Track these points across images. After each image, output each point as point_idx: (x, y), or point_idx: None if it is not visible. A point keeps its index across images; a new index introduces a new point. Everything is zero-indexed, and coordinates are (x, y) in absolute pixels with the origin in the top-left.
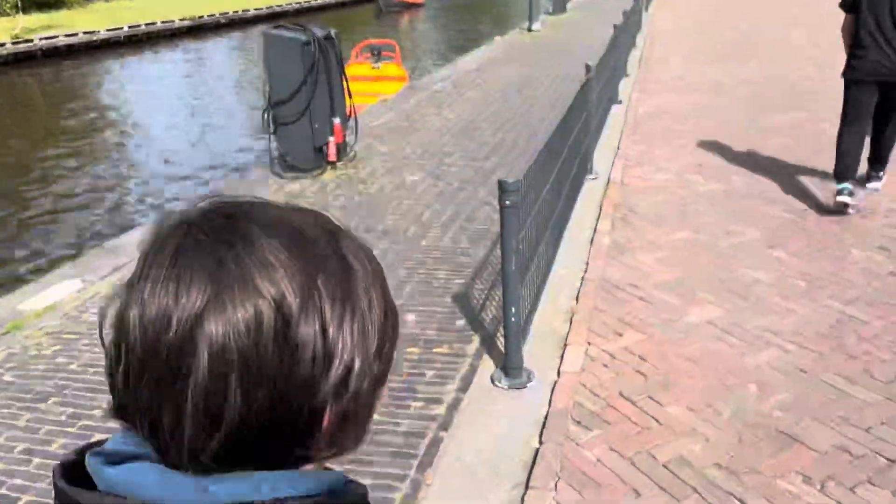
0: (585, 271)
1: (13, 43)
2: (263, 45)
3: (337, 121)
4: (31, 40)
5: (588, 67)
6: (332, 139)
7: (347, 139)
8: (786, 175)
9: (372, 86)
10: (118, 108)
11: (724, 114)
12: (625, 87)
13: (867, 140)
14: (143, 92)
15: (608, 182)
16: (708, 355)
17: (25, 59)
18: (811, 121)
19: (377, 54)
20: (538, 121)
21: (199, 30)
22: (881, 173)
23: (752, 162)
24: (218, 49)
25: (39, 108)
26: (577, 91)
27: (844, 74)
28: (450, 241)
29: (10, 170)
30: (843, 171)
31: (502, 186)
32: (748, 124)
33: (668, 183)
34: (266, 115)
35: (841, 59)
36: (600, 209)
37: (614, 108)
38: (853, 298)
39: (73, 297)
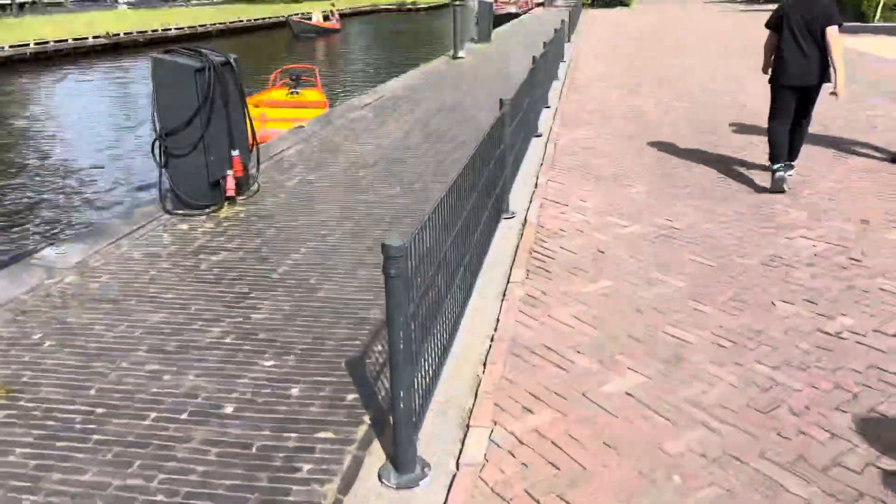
0: (495, 329)
1: None
2: (152, 71)
3: (236, 153)
4: None
5: (501, 102)
6: (230, 173)
7: (250, 172)
8: (706, 212)
9: (290, 112)
10: (7, 131)
11: (645, 145)
12: (545, 118)
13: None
14: (38, 114)
15: (524, 223)
16: (627, 437)
17: None
18: (727, 147)
19: (296, 79)
20: (459, 150)
21: (115, 49)
22: (794, 162)
23: (673, 200)
24: (132, 70)
25: None
26: (492, 124)
27: (772, 81)
28: (353, 292)
29: None
30: (777, 156)
31: (386, 251)
32: (670, 157)
33: (587, 225)
34: (156, 147)
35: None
36: (515, 255)
37: (534, 142)
38: (781, 362)
39: None
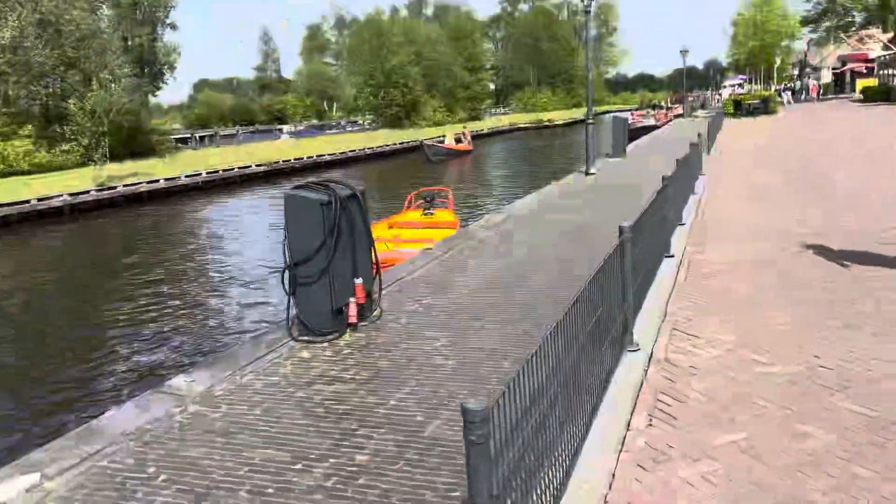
0: (609, 489)
1: (97, 190)
2: (284, 206)
3: (359, 281)
4: (115, 187)
5: (621, 230)
6: (353, 300)
7: (373, 297)
8: (864, 350)
9: (423, 233)
10: (170, 251)
11: (790, 268)
12: (679, 237)
13: None
14: (200, 236)
15: (650, 358)
16: None
17: (109, 206)
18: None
19: (430, 201)
20: (583, 274)
21: (274, 175)
22: None
23: (824, 334)
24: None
25: (94, 252)
26: (609, 254)
27: None
28: (459, 431)
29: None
30: None
31: (466, 415)
32: (820, 282)
33: (722, 362)
34: (285, 276)
35: None
36: (637, 396)
37: (665, 263)
38: None
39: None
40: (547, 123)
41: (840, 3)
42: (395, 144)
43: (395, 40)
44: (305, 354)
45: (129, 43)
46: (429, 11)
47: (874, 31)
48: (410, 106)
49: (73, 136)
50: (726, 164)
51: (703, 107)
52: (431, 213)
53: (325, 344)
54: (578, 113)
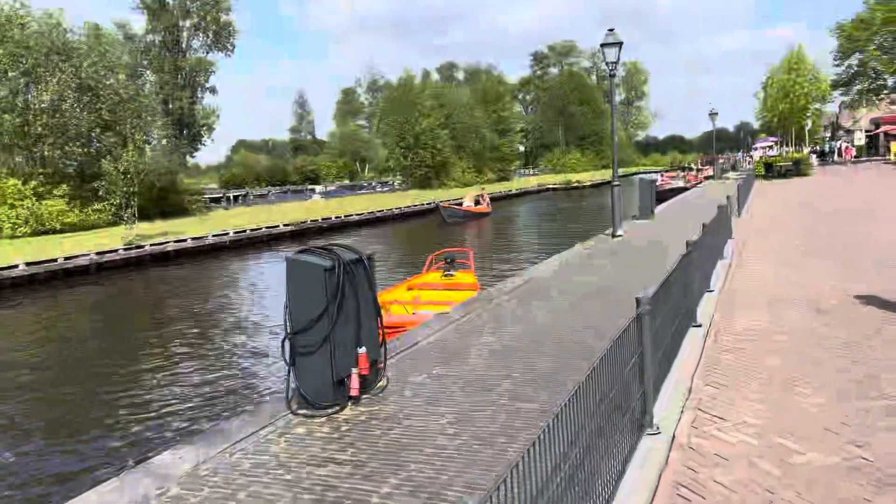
0: None
1: (125, 249)
2: (286, 271)
3: (362, 350)
4: (143, 246)
5: (639, 301)
6: (355, 371)
7: (378, 367)
8: None
9: (442, 294)
10: (185, 311)
11: (828, 339)
12: (706, 305)
13: None
14: (218, 295)
15: (671, 443)
16: None
17: (136, 264)
18: None
19: (450, 262)
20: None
21: (301, 234)
22: None
23: (865, 418)
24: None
25: (121, 310)
26: (625, 329)
27: None
28: None
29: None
30: None
31: None
32: (861, 356)
33: (751, 449)
34: (285, 345)
35: None
36: (656, 489)
37: (691, 334)
38: None
39: None
40: (576, 184)
41: (871, 67)
42: (422, 205)
43: (426, 103)
44: (301, 430)
45: (170, 106)
46: (460, 75)
47: None
48: (440, 167)
49: (105, 196)
50: (757, 227)
51: (733, 168)
52: (452, 275)
53: (324, 419)
54: (607, 174)
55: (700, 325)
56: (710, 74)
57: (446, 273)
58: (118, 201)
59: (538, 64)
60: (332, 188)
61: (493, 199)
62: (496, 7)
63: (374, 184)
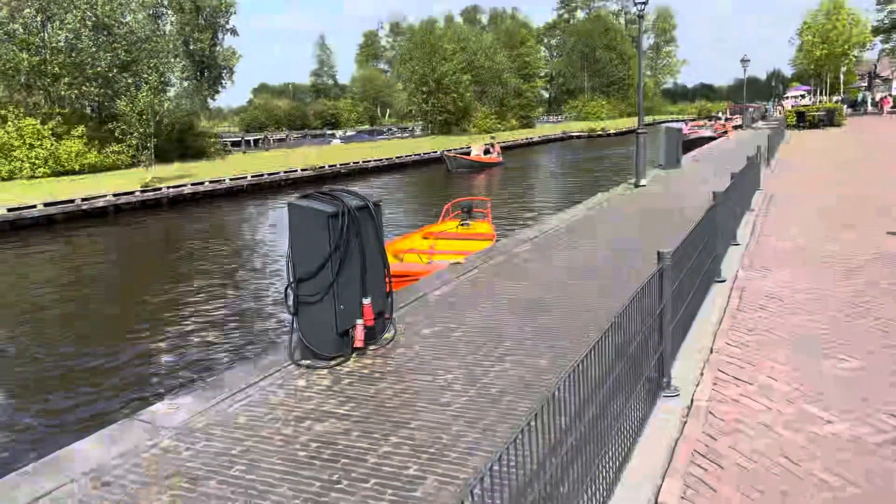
0: None
1: (142, 191)
2: (288, 217)
3: (367, 301)
4: (160, 188)
5: (660, 255)
6: (360, 322)
7: (385, 318)
8: None
9: (459, 244)
10: (200, 257)
11: (865, 298)
12: (732, 258)
13: None
14: (237, 238)
15: (689, 408)
16: None
17: (154, 206)
18: None
19: (468, 212)
20: (618, 300)
21: (319, 179)
22: None
23: None
24: None
25: (136, 252)
26: (648, 280)
27: None
28: (457, 490)
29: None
30: None
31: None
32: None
33: (776, 417)
34: (288, 294)
35: None
36: (671, 457)
37: (714, 290)
38: None
39: None
40: (600, 132)
41: None
42: (443, 151)
43: (448, 47)
44: (302, 382)
45: (191, 47)
46: (484, 19)
47: None
48: (461, 113)
49: (122, 137)
50: (787, 179)
51: (763, 118)
52: (468, 225)
53: (326, 371)
54: (633, 122)
55: (724, 281)
56: (743, 19)
57: (463, 222)
58: (135, 143)
59: (565, 7)
60: (352, 133)
61: (514, 147)
62: None
63: (394, 129)
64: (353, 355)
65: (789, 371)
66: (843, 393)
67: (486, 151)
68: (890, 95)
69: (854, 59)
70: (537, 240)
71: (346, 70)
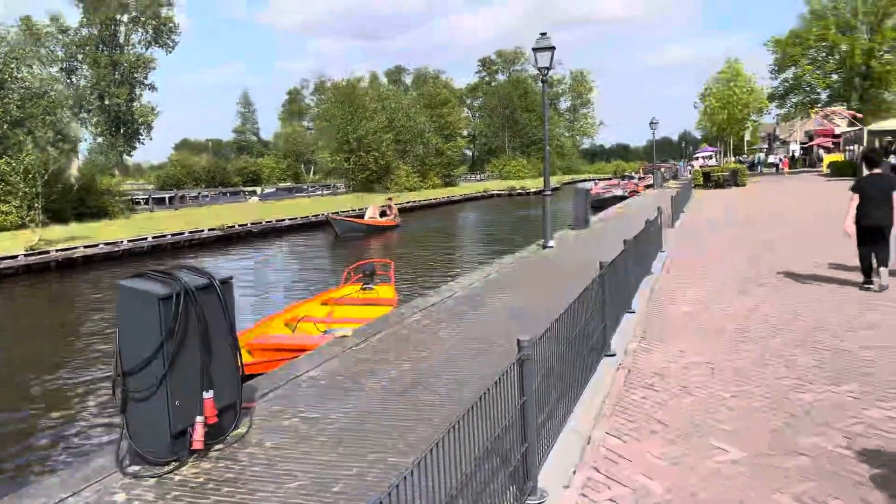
0: None
1: (26, 254)
2: (117, 300)
3: (209, 395)
4: (48, 251)
5: (520, 343)
6: (200, 420)
7: (239, 410)
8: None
9: (359, 311)
10: (62, 330)
11: (762, 378)
12: (626, 328)
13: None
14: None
15: None
16: None
17: (41, 271)
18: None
19: (370, 275)
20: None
21: (227, 239)
22: (880, 270)
23: (784, 482)
24: (227, 260)
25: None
26: (504, 372)
27: (857, 223)
28: None
29: None
30: (867, 270)
31: None
32: (793, 404)
33: None
34: (115, 388)
35: None
36: None
37: (603, 366)
38: None
39: None
40: (520, 191)
41: (806, 81)
42: (361, 209)
43: (370, 106)
44: (120, 498)
45: (106, 102)
46: (408, 79)
47: (839, 108)
48: (383, 171)
49: (4, 198)
50: (690, 239)
51: (674, 178)
52: (371, 289)
53: (153, 482)
54: (554, 181)
55: (613, 355)
56: (657, 84)
57: (365, 286)
58: (18, 202)
59: (486, 70)
60: (270, 190)
61: (436, 206)
62: (451, 15)
63: (314, 187)
64: (192, 459)
65: (668, 468)
66: (721, 496)
67: (383, 213)
68: (787, 157)
69: (754, 124)
70: (434, 308)
71: (273, 127)
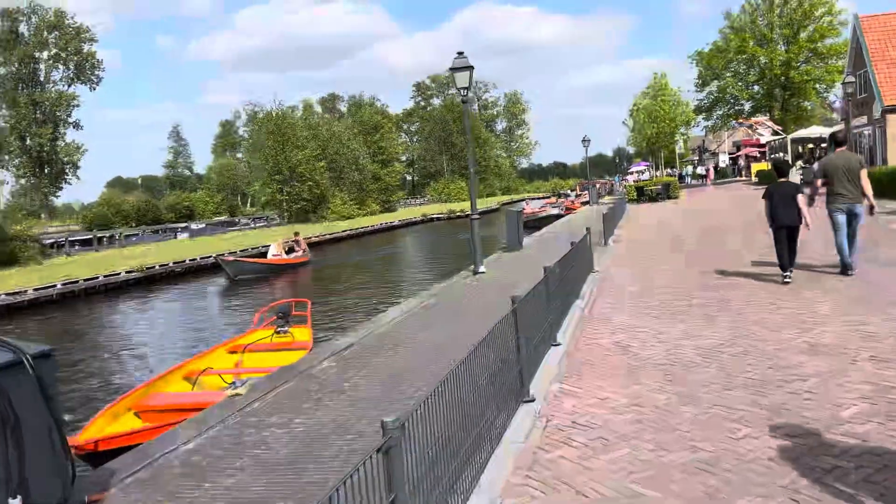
0: None
1: None
2: None
3: (15, 502)
4: None
5: (384, 427)
6: None
7: None
8: None
9: (271, 358)
10: None
11: (688, 423)
12: (548, 367)
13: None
14: None
15: None
16: None
17: None
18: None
19: (285, 317)
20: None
21: (148, 281)
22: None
23: None
24: (141, 306)
25: None
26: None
27: (771, 224)
28: None
29: None
30: (783, 265)
31: None
32: (715, 460)
33: None
34: None
35: None
36: None
37: (521, 414)
38: None
39: None
40: (459, 213)
41: (730, 93)
42: (217, 255)
43: (302, 134)
44: None
45: (28, 143)
46: (344, 107)
47: (763, 118)
48: (318, 200)
49: None
50: (623, 257)
51: (610, 193)
52: (286, 332)
53: None
54: (492, 201)
55: (533, 401)
56: (592, 102)
57: (279, 330)
58: None
59: (421, 95)
60: (200, 226)
61: (375, 232)
62: (384, 43)
63: (248, 220)
64: None
65: None
66: None
67: (291, 249)
68: (712, 168)
69: (684, 136)
70: (349, 351)
71: (208, 161)
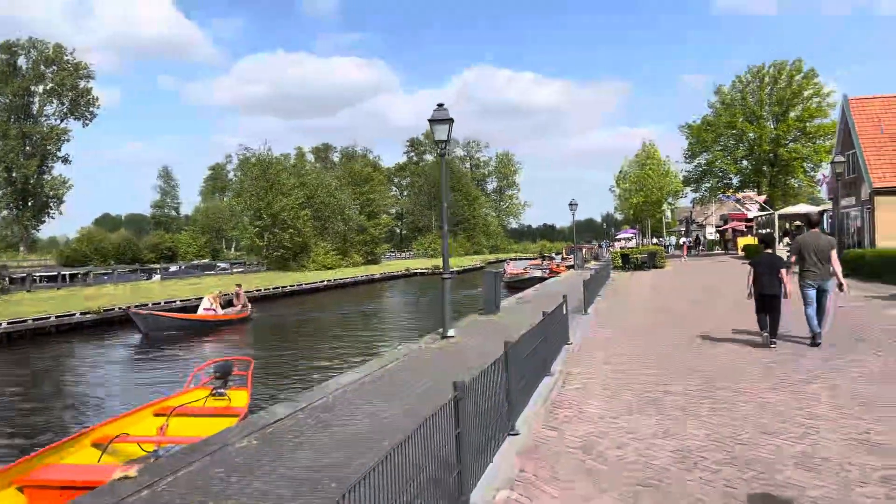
0: None
1: None
2: None
3: None
4: None
5: None
6: None
7: None
8: None
9: (199, 424)
10: None
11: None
12: (502, 465)
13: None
14: None
15: None
16: None
17: None
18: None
19: (223, 377)
20: None
21: (105, 324)
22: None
23: None
24: (91, 350)
25: None
26: None
27: (754, 292)
28: None
29: None
30: (762, 327)
31: None
32: None
33: None
34: None
35: None
36: None
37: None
38: None
39: None
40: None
41: (718, 167)
42: (129, 309)
43: (287, 182)
44: None
45: (14, 175)
46: (336, 157)
47: (750, 193)
48: (299, 248)
49: None
50: (601, 332)
51: (596, 259)
52: (223, 394)
53: None
54: (478, 259)
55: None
56: (583, 167)
57: (216, 391)
58: None
59: (414, 150)
60: (175, 268)
61: (357, 284)
62: (386, 98)
63: (224, 264)
64: None
65: None
66: None
67: (229, 303)
68: (688, 242)
69: (671, 206)
70: (279, 424)
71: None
